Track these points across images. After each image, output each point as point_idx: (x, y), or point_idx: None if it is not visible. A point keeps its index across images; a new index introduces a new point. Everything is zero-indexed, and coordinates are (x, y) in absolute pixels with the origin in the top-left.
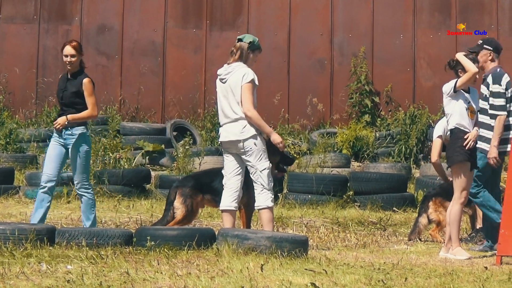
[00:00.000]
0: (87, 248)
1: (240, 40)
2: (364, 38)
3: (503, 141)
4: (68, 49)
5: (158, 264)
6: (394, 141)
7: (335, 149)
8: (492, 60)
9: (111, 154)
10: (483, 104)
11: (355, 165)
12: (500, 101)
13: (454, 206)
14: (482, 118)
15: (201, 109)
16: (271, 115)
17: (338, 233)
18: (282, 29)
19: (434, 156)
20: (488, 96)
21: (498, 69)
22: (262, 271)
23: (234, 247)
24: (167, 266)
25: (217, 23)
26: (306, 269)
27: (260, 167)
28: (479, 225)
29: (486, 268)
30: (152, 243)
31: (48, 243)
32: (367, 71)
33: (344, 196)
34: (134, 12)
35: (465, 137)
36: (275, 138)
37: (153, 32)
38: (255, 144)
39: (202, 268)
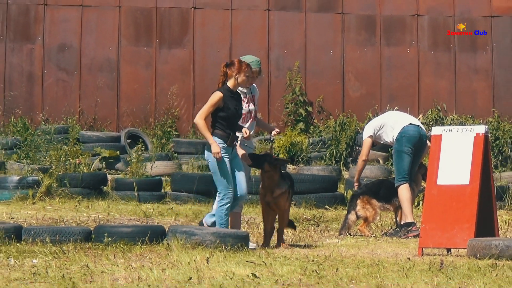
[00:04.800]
0: (51, 244)
1: None
2: (298, 54)
3: None
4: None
5: (115, 258)
6: (325, 146)
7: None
8: None
9: (71, 160)
10: None
11: (290, 168)
12: None
13: None
14: None
15: (152, 118)
16: None
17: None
18: (224, 46)
19: (364, 154)
20: None
21: None
22: (208, 263)
23: (182, 242)
24: (123, 259)
25: (166, 42)
26: (247, 261)
27: None
28: (402, 220)
29: (409, 259)
30: (109, 239)
31: (16, 240)
32: (301, 84)
33: None
34: (91, 32)
35: None
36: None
37: (108, 50)
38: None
39: (154, 261)
